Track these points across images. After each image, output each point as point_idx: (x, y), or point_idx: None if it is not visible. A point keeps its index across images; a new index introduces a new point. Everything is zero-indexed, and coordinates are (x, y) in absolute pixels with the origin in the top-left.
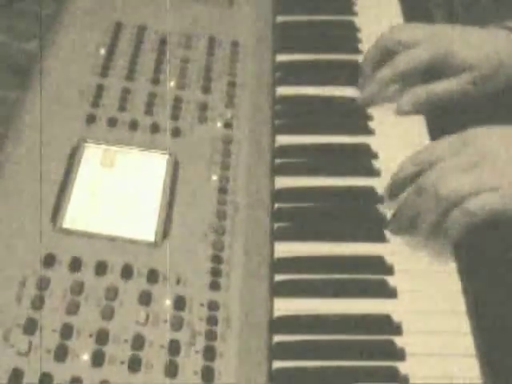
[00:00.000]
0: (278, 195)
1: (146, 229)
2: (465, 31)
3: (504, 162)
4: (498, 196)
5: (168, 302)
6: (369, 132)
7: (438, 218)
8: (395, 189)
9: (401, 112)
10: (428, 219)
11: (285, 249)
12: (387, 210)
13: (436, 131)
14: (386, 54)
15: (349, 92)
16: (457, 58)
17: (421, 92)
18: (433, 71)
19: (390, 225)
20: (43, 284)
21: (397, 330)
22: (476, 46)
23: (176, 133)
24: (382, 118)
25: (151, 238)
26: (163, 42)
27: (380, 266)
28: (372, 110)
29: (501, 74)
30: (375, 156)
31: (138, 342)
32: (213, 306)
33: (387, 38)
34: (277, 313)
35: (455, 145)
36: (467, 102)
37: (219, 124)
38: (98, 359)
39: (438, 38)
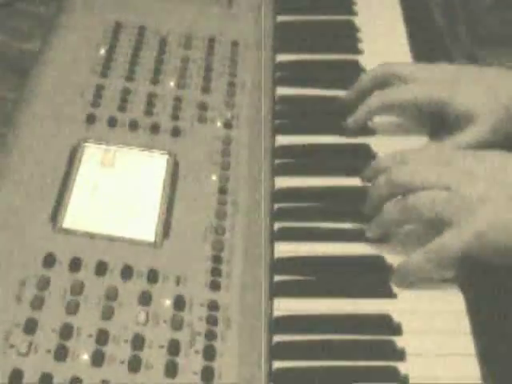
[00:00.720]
0: (278, 195)
1: (145, 229)
2: (468, 76)
3: (486, 179)
4: (445, 196)
5: (168, 302)
6: (369, 132)
7: (401, 222)
8: (369, 173)
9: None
10: (394, 220)
11: (285, 249)
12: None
13: (436, 131)
14: (379, 84)
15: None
16: (457, 106)
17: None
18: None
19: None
20: (43, 284)
21: (397, 330)
22: (480, 95)
23: (176, 133)
24: (382, 118)
25: (151, 238)
26: (163, 41)
27: (380, 265)
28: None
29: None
30: (375, 156)
31: (138, 342)
32: (213, 306)
33: (384, 68)
34: (277, 313)
35: (441, 158)
36: None
37: (219, 124)
38: (97, 359)
39: (438, 81)
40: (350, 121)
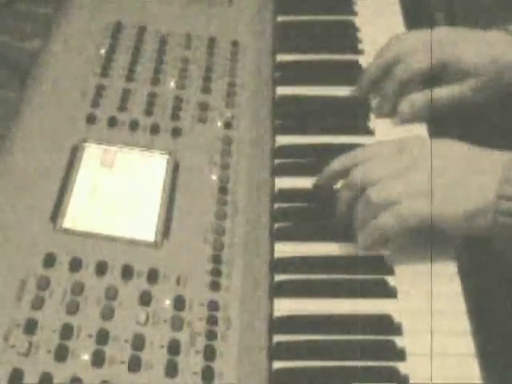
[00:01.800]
0: (278, 195)
1: (146, 229)
2: (465, 35)
3: (435, 170)
4: (427, 203)
5: (168, 302)
6: (369, 132)
7: (368, 218)
8: (323, 180)
9: (402, 120)
10: (360, 218)
11: (285, 249)
12: None
13: (436, 131)
14: (385, 70)
15: (349, 92)
16: (458, 63)
17: (421, 99)
18: (434, 78)
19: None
20: (43, 284)
21: (397, 330)
22: (478, 50)
23: (176, 133)
24: (382, 118)
25: (151, 238)
26: (163, 41)
27: (380, 265)
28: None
29: (505, 78)
30: None
31: (138, 342)
32: (213, 306)
33: (386, 55)
34: (277, 313)
35: (390, 149)
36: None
37: (219, 124)
38: (98, 359)
39: (437, 45)
40: (384, 108)
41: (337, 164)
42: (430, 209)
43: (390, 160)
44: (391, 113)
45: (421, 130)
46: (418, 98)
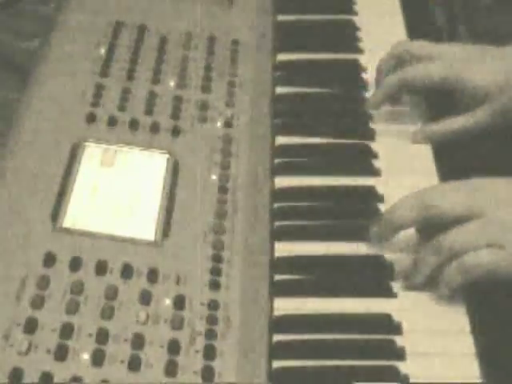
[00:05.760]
0: (278, 195)
1: (146, 228)
2: (485, 54)
3: (508, 217)
4: (497, 256)
5: (168, 302)
6: (369, 132)
7: (436, 266)
8: (390, 229)
9: (415, 142)
10: (427, 266)
11: (285, 248)
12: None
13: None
14: (399, 63)
15: (349, 91)
16: (474, 84)
17: (436, 129)
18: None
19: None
20: (43, 283)
21: (397, 329)
22: (496, 72)
23: (176, 132)
24: (383, 118)
25: (151, 237)
26: (163, 41)
27: (380, 265)
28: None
29: None
30: (375, 155)
31: (138, 342)
32: (213, 305)
33: (402, 48)
34: (277, 312)
35: (462, 194)
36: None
37: (219, 123)
38: (98, 359)
39: (453, 59)
40: (370, 101)
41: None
42: (501, 263)
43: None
44: (380, 104)
45: None
46: (437, 129)
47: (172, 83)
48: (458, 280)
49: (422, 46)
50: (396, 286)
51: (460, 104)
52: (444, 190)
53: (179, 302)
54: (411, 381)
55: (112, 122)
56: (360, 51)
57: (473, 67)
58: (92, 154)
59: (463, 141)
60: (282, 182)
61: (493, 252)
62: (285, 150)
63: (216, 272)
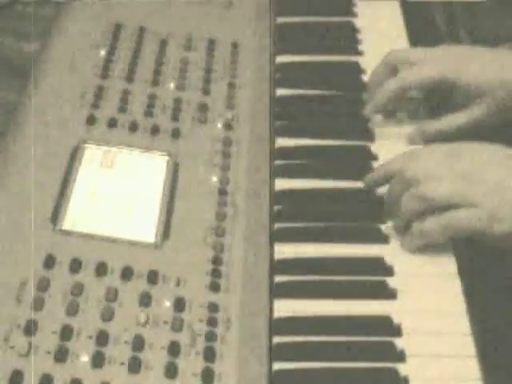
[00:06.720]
0: (278, 197)
1: (146, 230)
2: (477, 53)
3: (490, 182)
4: (476, 215)
5: (168, 304)
6: (369, 133)
7: (416, 216)
8: (370, 183)
9: (412, 143)
10: (407, 214)
11: (285, 250)
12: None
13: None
14: (393, 71)
15: (349, 93)
16: (468, 82)
17: (431, 128)
18: (439, 91)
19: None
20: (43, 285)
21: (397, 331)
22: (489, 69)
23: (176, 134)
24: (382, 119)
25: (151, 239)
26: (163, 43)
27: (380, 267)
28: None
29: None
30: (375, 158)
31: (138, 344)
32: (213, 307)
33: (395, 55)
34: (277, 314)
35: (446, 153)
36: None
37: (219, 125)
38: (97, 360)
39: (448, 59)
40: (369, 107)
41: (387, 166)
42: (480, 222)
43: (445, 162)
44: (379, 108)
45: None
46: (431, 128)
47: (172, 85)
48: (438, 233)
49: (413, 52)
50: (396, 287)
51: (456, 104)
52: (422, 153)
53: (179, 304)
54: (411, 382)
55: (112, 123)
56: (360, 53)
57: (466, 66)
58: (92, 156)
59: (459, 139)
60: (282, 183)
61: (472, 211)
62: (285, 151)
63: (216, 274)
